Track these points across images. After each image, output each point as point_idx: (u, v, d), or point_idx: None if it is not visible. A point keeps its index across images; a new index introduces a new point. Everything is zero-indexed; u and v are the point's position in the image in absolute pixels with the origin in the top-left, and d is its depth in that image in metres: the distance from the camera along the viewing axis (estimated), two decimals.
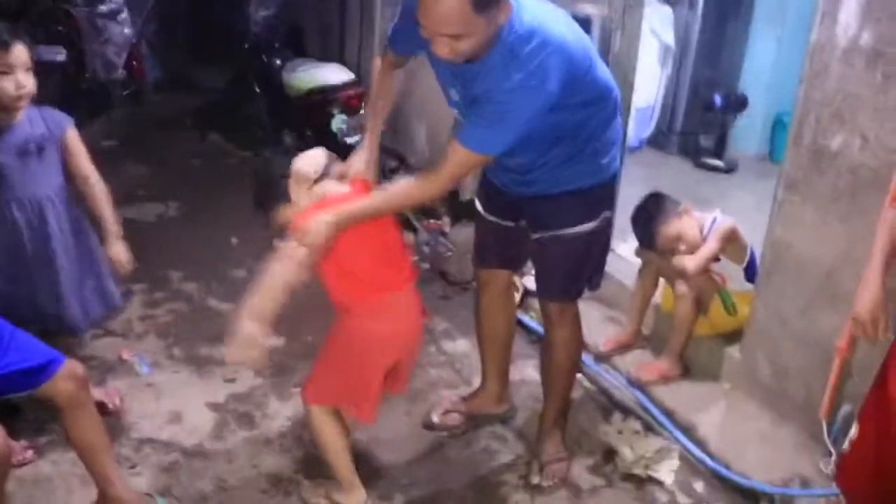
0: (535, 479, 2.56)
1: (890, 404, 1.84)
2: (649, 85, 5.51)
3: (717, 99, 5.34)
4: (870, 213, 2.35)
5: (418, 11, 1.84)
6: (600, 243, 2.45)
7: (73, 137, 2.58)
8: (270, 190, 2.18)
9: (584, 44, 2.09)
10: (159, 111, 6.55)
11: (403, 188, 2.14)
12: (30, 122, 2.43)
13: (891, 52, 2.26)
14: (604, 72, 2.21)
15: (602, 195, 2.35)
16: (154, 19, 6.93)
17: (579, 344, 2.61)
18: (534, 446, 2.70)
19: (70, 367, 2.11)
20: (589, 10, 3.38)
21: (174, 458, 2.57)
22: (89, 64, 6.10)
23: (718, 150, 5.57)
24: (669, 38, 5.43)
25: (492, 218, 2.51)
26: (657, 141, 5.85)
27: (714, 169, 5.49)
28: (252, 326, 1.99)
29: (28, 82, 2.33)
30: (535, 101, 1.95)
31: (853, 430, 2.13)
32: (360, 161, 2.29)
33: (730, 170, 5.47)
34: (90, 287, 2.68)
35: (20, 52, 2.29)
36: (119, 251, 2.66)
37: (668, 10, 5.45)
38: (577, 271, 2.44)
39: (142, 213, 4.63)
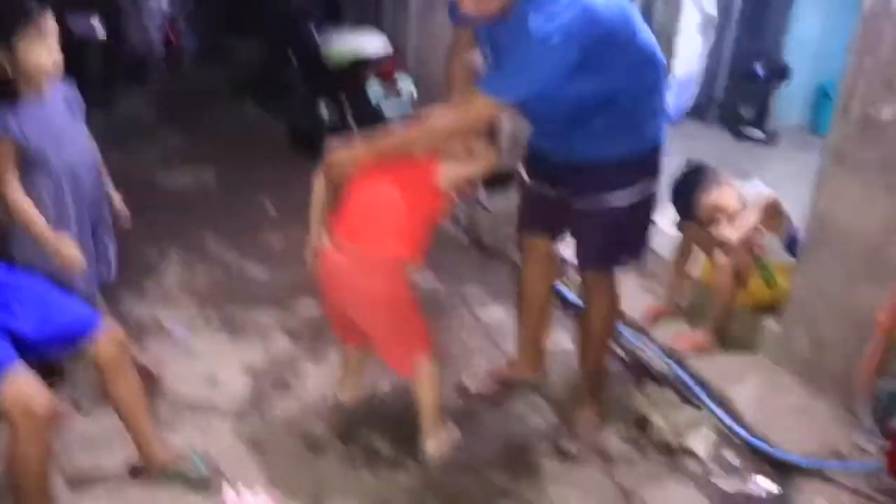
0: (567, 446, 2.56)
1: None
2: (691, 55, 5.41)
3: (759, 68, 5.24)
4: None
5: None
6: (641, 215, 2.41)
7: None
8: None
9: (621, 9, 2.06)
10: (196, 82, 6.61)
11: (424, 127, 2.18)
12: (59, 91, 2.42)
13: None
14: (648, 39, 2.18)
15: (644, 165, 2.32)
16: None
17: (615, 314, 2.60)
18: (568, 414, 2.69)
19: (112, 330, 2.15)
20: None
21: (210, 421, 2.61)
22: (128, 38, 6.16)
23: (759, 120, 5.48)
24: (711, 8, 5.32)
25: (535, 185, 2.49)
26: (697, 111, 5.76)
27: (755, 139, 5.40)
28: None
29: (58, 53, 2.31)
30: (552, 59, 1.98)
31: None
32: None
33: (770, 141, 5.38)
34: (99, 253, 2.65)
35: (50, 21, 2.28)
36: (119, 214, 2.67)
37: None
38: (616, 242, 2.42)
39: (179, 181, 4.68)
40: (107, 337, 2.12)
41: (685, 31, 5.25)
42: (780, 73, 5.27)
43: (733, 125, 5.56)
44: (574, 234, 2.50)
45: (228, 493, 2.19)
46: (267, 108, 5.86)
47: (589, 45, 1.97)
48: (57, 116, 2.37)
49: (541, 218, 2.57)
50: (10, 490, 1.97)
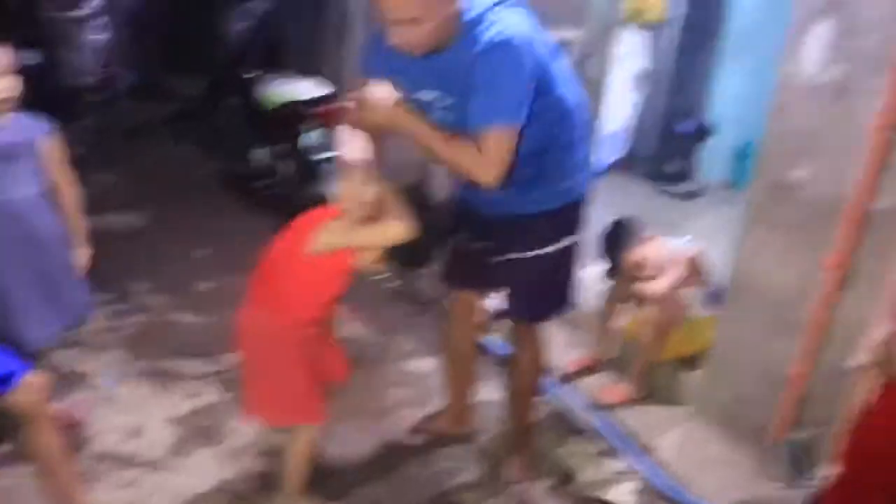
0: (494, 501, 2.58)
1: (873, 448, 1.88)
2: (620, 109, 5.62)
3: (684, 126, 5.44)
4: (828, 246, 2.42)
5: (378, 3, 1.89)
6: (568, 265, 2.46)
7: (50, 144, 2.57)
8: None
9: (548, 45, 2.12)
10: (132, 118, 6.49)
11: (466, 151, 2.04)
12: (11, 127, 2.41)
13: (852, 88, 2.33)
14: (572, 90, 2.24)
15: (570, 217, 2.38)
16: (129, 26, 6.89)
17: (542, 366, 2.64)
18: (495, 467, 2.71)
19: (32, 378, 2.09)
20: (567, 34, 3.43)
21: (134, 474, 2.55)
22: (61, 69, 6.06)
23: (684, 176, 5.66)
24: (641, 65, 5.53)
25: (461, 239, 2.52)
26: (625, 165, 5.93)
27: (680, 194, 5.57)
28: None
29: (9, 86, 2.30)
30: (518, 52, 1.96)
31: (831, 469, 2.18)
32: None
33: (695, 195, 5.56)
34: (57, 299, 2.64)
35: (1, 56, 2.27)
36: (79, 257, 2.65)
37: (640, 36, 5.56)
38: (545, 293, 2.47)
39: (110, 223, 4.57)
40: (27, 384, 2.07)
41: (617, 85, 5.45)
42: (703, 131, 5.48)
43: (659, 180, 5.73)
44: (505, 286, 2.54)
45: None
46: (203, 149, 5.81)
47: (534, 68, 2.01)
48: (5, 152, 2.38)
49: (467, 272, 2.60)
50: None
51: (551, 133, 2.20)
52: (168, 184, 5.31)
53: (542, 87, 2.08)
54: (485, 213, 2.36)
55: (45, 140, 2.55)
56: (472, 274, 2.59)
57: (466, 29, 2.00)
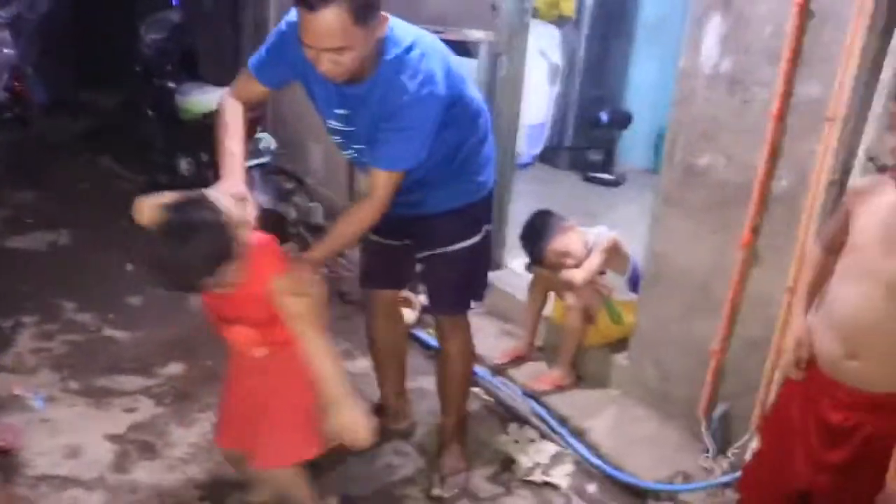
0: (436, 491, 2.65)
1: (790, 423, 2.00)
2: (539, 103, 5.74)
3: (603, 115, 5.61)
4: (736, 227, 2.57)
5: (300, 31, 1.91)
6: (484, 256, 2.60)
7: None
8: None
9: (457, 65, 2.23)
10: (47, 135, 6.37)
11: (351, 220, 2.19)
12: None
13: (746, 79, 2.47)
14: (475, 93, 2.36)
15: (481, 211, 2.49)
16: (39, 40, 6.73)
17: (471, 355, 2.73)
18: (434, 459, 2.79)
19: None
20: (476, 35, 3.52)
21: (74, 494, 2.53)
22: None
23: (606, 164, 5.84)
24: (557, 58, 5.67)
25: (377, 238, 2.58)
26: (548, 157, 6.08)
27: (603, 182, 5.74)
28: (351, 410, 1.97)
29: None
30: (432, 107, 2.08)
31: (755, 442, 2.31)
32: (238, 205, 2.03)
33: (617, 183, 5.74)
34: None
35: None
36: None
37: (555, 31, 5.69)
38: (465, 285, 2.58)
39: (31, 242, 4.50)
40: None
41: (533, 80, 5.57)
42: (622, 119, 5.66)
43: (583, 169, 5.90)
44: (424, 282, 2.63)
45: None
46: (124, 163, 5.74)
47: (450, 87, 2.12)
48: None
49: (385, 270, 2.68)
50: None
51: (461, 136, 2.31)
52: (90, 199, 5.23)
53: (453, 101, 2.17)
54: (400, 213, 2.42)
55: None
56: (388, 272, 2.68)
57: (386, 68, 2.06)
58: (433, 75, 2.07)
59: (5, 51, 6.12)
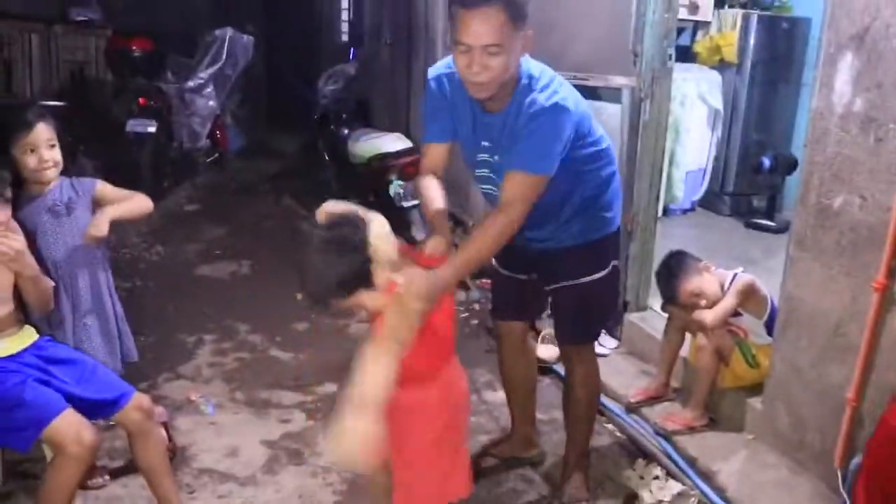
0: None
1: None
2: (700, 148, 5.71)
3: (766, 160, 5.48)
4: (871, 269, 2.50)
5: (459, 32, 2.09)
6: (610, 290, 2.69)
7: (104, 189, 2.79)
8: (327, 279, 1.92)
9: (583, 101, 2.39)
10: (239, 177, 7.06)
11: (491, 229, 2.18)
12: (60, 189, 2.69)
13: (881, 117, 2.44)
14: (600, 129, 2.50)
15: (608, 246, 2.60)
16: (237, 93, 7.52)
17: (596, 383, 2.81)
18: (558, 488, 2.87)
19: (138, 399, 2.45)
20: (620, 81, 3.63)
21: (229, 488, 2.85)
22: (177, 134, 6.69)
23: (770, 210, 5.67)
24: (717, 103, 5.63)
25: (507, 273, 2.74)
26: (710, 202, 6.00)
27: (766, 229, 5.58)
28: (361, 420, 1.83)
29: (51, 156, 2.60)
30: (564, 117, 2.22)
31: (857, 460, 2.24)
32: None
33: (781, 230, 5.55)
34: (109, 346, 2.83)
35: (42, 131, 2.58)
36: (100, 220, 2.68)
37: (715, 75, 5.66)
38: (590, 316, 2.68)
39: (216, 271, 5.04)
40: (132, 404, 2.42)
41: (694, 125, 5.57)
42: (786, 164, 5.50)
43: (745, 216, 5.77)
44: (552, 312, 2.75)
45: None
46: (303, 202, 6.27)
47: (577, 116, 2.27)
48: (44, 214, 2.64)
49: (514, 302, 2.81)
50: None
51: (589, 168, 2.45)
52: (270, 235, 5.76)
53: (581, 120, 2.33)
54: (530, 249, 2.58)
55: (96, 189, 2.77)
56: (517, 304, 2.81)
57: (520, 92, 2.24)
58: (563, 92, 2.24)
59: (210, 103, 6.91)
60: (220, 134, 7.15)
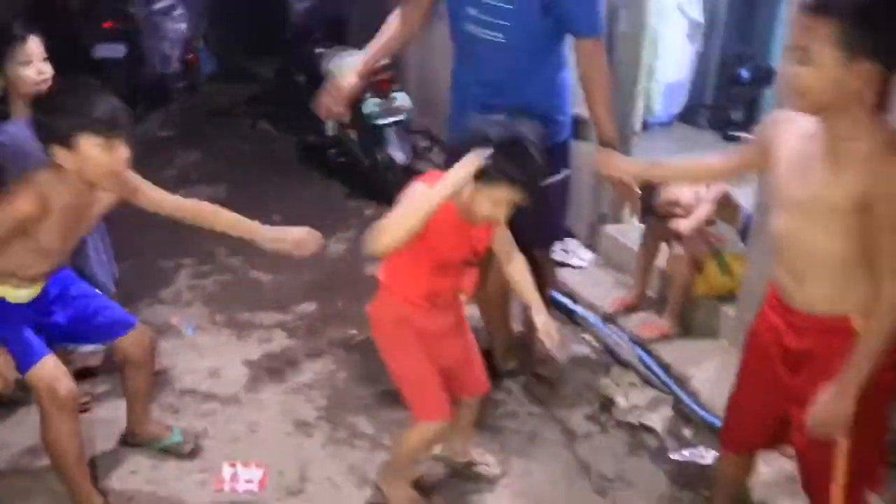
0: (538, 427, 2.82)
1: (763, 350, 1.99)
2: (679, 61, 5.62)
3: (744, 72, 5.42)
4: None
5: None
6: (562, 198, 2.81)
7: None
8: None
9: None
10: (213, 101, 6.91)
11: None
12: None
13: None
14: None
15: (564, 152, 2.70)
16: (207, 15, 7.31)
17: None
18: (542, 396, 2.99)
19: (143, 333, 2.48)
20: None
21: (211, 407, 2.90)
22: (148, 59, 6.52)
23: (747, 122, 5.64)
24: (697, 15, 5.53)
25: None
26: (689, 116, 5.96)
27: (743, 141, 5.57)
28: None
29: (47, 69, 2.55)
30: None
31: None
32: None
33: None
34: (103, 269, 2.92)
35: (35, 43, 2.54)
36: None
37: None
38: (552, 222, 2.84)
39: (193, 195, 4.92)
40: (138, 338, 2.46)
41: (672, 37, 5.48)
42: (764, 76, 5.45)
43: (723, 128, 5.74)
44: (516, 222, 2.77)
45: (225, 469, 2.51)
46: (277, 126, 6.18)
47: None
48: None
49: None
50: (55, 470, 2.32)
51: (552, 56, 2.58)
52: (247, 159, 5.69)
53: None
54: None
55: None
56: None
57: None
58: None
59: (181, 26, 6.72)
60: (193, 58, 6.97)
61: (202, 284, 3.85)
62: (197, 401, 2.93)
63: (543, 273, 2.79)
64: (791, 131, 1.79)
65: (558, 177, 2.64)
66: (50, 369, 2.21)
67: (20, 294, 2.24)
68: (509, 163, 1.92)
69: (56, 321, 2.34)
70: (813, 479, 1.96)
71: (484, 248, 2.20)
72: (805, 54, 1.61)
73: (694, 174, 2.47)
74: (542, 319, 2.19)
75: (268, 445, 2.71)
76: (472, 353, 2.40)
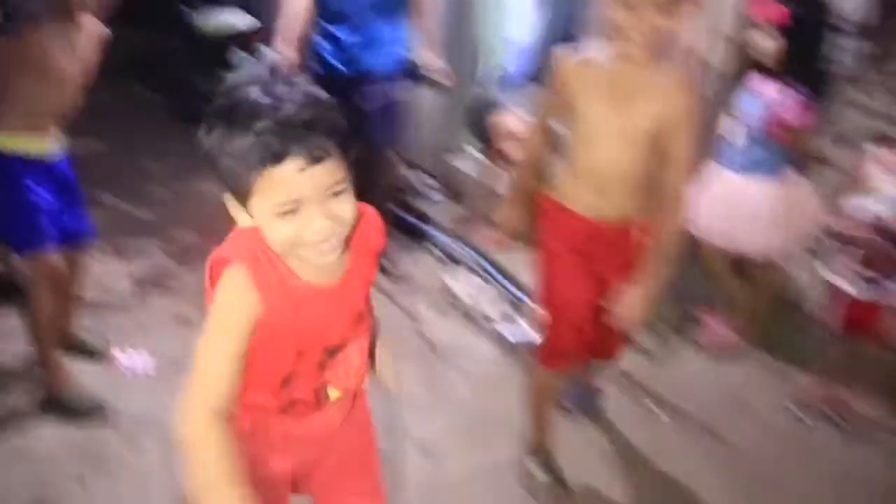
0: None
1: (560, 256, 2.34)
2: (524, 26, 6.14)
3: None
4: None
5: None
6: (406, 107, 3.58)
7: None
8: None
9: None
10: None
11: None
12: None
13: None
14: None
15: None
16: None
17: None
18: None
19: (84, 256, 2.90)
20: None
21: (104, 314, 3.31)
22: None
23: None
24: None
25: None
26: (540, 79, 6.47)
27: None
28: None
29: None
30: None
31: None
32: None
33: None
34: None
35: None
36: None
37: None
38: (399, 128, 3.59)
39: (77, 147, 5.17)
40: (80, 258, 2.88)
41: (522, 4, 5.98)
42: None
43: None
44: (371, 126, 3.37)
45: (119, 355, 2.91)
46: (149, 86, 6.36)
47: None
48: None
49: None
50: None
51: None
52: (120, 118, 5.83)
53: None
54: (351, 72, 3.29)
55: None
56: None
57: None
58: None
59: None
60: None
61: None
62: (92, 310, 3.26)
63: (389, 169, 3.47)
64: (595, 72, 2.09)
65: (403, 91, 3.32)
66: (52, 259, 2.63)
67: (33, 147, 2.62)
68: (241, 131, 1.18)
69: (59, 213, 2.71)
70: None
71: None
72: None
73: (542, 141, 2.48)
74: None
75: (155, 337, 3.18)
76: None
